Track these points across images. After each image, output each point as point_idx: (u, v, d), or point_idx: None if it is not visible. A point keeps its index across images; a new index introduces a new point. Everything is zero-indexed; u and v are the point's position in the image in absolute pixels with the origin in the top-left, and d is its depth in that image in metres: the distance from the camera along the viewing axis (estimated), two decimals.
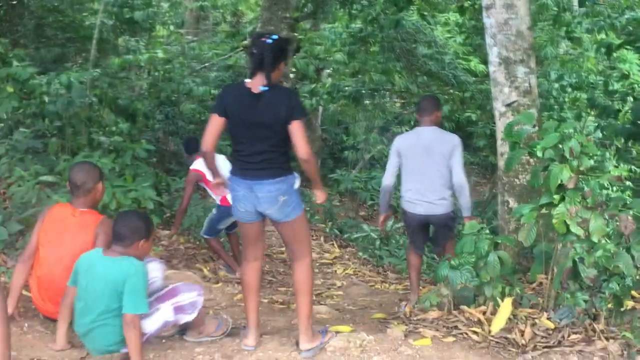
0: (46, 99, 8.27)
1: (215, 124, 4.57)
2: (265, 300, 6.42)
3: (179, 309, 4.55)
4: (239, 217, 4.77)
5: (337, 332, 4.78)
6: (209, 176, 7.04)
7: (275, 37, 4.57)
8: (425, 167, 5.94)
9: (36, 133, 8.12)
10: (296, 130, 4.44)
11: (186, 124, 13.43)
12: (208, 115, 13.12)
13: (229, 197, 5.32)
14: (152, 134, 11.93)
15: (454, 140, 6.00)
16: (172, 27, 17.03)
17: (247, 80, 4.55)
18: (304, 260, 4.74)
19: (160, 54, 13.01)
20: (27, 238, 5.90)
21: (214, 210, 7.47)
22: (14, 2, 13.07)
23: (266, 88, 4.44)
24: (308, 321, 4.66)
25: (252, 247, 4.83)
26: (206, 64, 15.31)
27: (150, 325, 4.40)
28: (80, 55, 13.92)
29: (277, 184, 4.53)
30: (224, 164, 7.35)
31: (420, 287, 6.51)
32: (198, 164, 7.41)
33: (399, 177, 6.23)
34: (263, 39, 4.53)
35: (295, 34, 12.13)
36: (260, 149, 4.52)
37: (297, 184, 4.65)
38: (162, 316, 4.48)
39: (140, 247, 4.45)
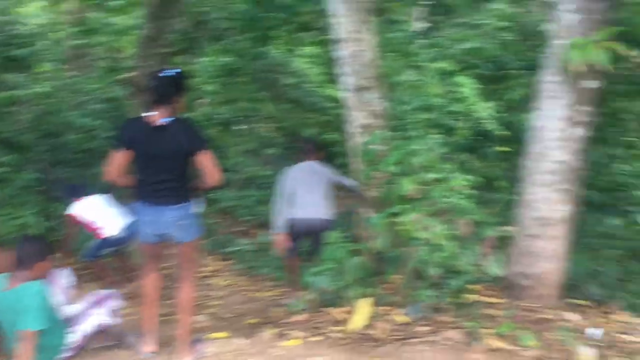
0: None
1: (119, 157, 4.44)
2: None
3: (105, 313, 4.77)
4: (144, 239, 4.72)
5: (213, 339, 4.78)
6: (85, 216, 6.95)
7: (175, 70, 4.48)
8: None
9: None
10: (206, 160, 4.42)
11: (71, 154, 13.00)
12: (91, 145, 12.74)
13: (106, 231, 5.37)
14: (37, 165, 11.47)
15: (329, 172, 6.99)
16: (54, 64, 16.49)
17: (147, 114, 4.39)
18: (192, 278, 4.77)
19: (42, 89, 12.58)
20: None
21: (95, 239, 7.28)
22: None
23: (168, 120, 4.35)
24: (188, 336, 4.64)
25: (152, 263, 4.83)
26: (88, 97, 14.90)
27: (84, 330, 4.57)
28: None
29: (182, 209, 4.53)
30: (101, 204, 7.23)
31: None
32: (75, 207, 7.23)
33: None
34: (163, 73, 4.42)
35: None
36: (163, 178, 4.47)
37: (199, 208, 4.68)
38: (93, 321, 4.67)
39: (41, 267, 4.34)
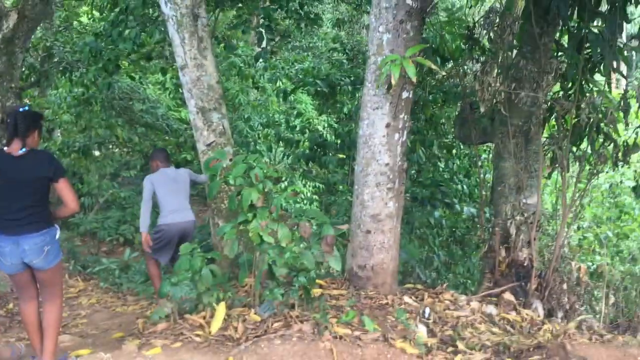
0: None
1: None
2: (13, 339, 5.88)
3: None
4: (6, 270, 4.44)
5: (77, 356, 4.53)
6: None
7: (26, 107, 4.47)
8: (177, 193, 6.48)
9: None
10: (63, 187, 4.39)
11: None
12: None
13: None
14: None
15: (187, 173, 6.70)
16: None
17: (5, 148, 4.34)
18: (56, 302, 4.56)
19: None
20: None
21: None
22: None
23: (25, 150, 4.28)
24: (53, 356, 4.41)
25: (26, 291, 4.55)
26: None
27: None
28: None
29: (42, 235, 4.33)
30: None
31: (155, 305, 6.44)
32: None
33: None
34: (16, 110, 4.40)
35: (25, 101, 11.37)
36: (23, 205, 4.29)
37: (57, 234, 4.47)
38: None
39: None
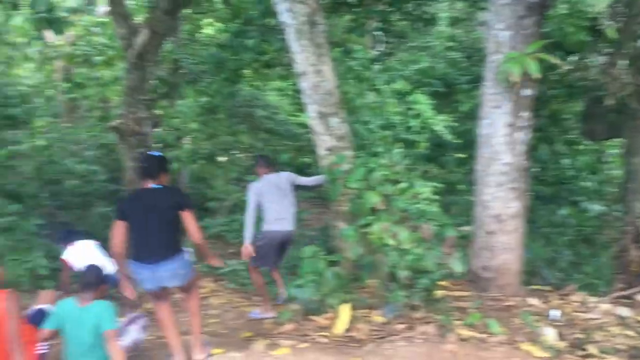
0: None
1: (120, 227, 4.72)
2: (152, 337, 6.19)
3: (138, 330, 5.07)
4: (147, 289, 4.85)
5: (212, 355, 4.76)
6: (74, 264, 6.89)
7: (158, 153, 5.18)
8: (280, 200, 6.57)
9: None
10: (188, 218, 4.73)
11: (71, 198, 12.94)
12: (89, 188, 12.61)
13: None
14: (41, 210, 11.36)
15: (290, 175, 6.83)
16: (49, 118, 16.41)
17: (140, 186, 4.91)
18: (195, 290, 5.06)
19: (40, 142, 12.52)
20: None
21: None
22: None
23: (158, 186, 4.80)
24: (200, 336, 5.03)
25: (161, 300, 4.94)
26: (83, 145, 14.84)
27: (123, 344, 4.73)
28: None
29: (176, 262, 4.72)
30: (90, 250, 7.13)
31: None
32: (66, 253, 7.11)
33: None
34: (149, 154, 5.12)
35: (155, 111, 11.93)
36: (158, 234, 4.69)
37: (189, 256, 4.88)
38: (131, 336, 4.96)
39: (102, 290, 4.71)
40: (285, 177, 6.76)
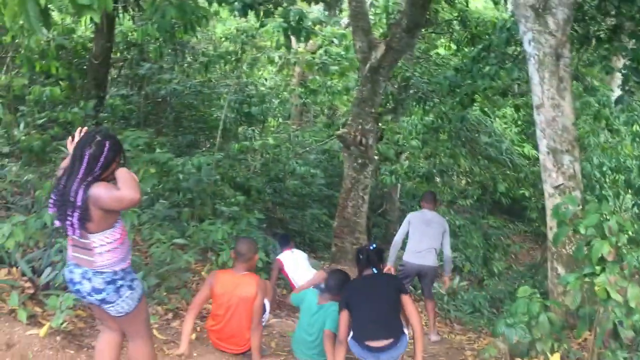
0: (180, 177, 8.49)
1: (345, 316, 4.89)
2: None
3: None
4: None
5: None
6: (286, 268, 7.48)
7: (374, 245, 5.41)
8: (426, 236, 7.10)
9: (172, 204, 8.29)
10: (407, 303, 4.89)
11: (290, 197, 13.59)
12: (308, 190, 13.13)
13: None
14: (262, 205, 12.07)
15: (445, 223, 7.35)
16: (280, 119, 17.43)
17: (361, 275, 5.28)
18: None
19: (270, 141, 13.28)
20: (163, 290, 5.99)
21: None
22: (159, 100, 13.62)
23: (375, 271, 5.18)
24: None
25: None
26: (307, 149, 15.55)
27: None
28: (208, 141, 14.31)
29: (400, 348, 4.78)
30: (301, 260, 7.49)
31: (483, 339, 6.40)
32: (283, 256, 7.55)
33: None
34: (367, 247, 5.38)
35: (380, 125, 12.17)
36: (379, 317, 4.80)
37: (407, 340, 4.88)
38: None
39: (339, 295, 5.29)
40: (439, 221, 7.27)
